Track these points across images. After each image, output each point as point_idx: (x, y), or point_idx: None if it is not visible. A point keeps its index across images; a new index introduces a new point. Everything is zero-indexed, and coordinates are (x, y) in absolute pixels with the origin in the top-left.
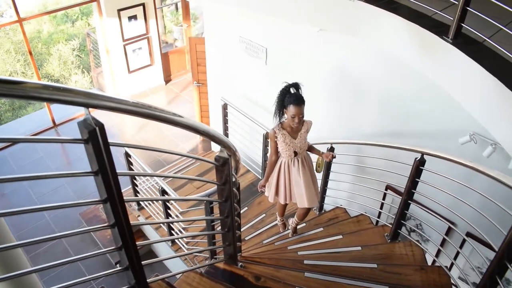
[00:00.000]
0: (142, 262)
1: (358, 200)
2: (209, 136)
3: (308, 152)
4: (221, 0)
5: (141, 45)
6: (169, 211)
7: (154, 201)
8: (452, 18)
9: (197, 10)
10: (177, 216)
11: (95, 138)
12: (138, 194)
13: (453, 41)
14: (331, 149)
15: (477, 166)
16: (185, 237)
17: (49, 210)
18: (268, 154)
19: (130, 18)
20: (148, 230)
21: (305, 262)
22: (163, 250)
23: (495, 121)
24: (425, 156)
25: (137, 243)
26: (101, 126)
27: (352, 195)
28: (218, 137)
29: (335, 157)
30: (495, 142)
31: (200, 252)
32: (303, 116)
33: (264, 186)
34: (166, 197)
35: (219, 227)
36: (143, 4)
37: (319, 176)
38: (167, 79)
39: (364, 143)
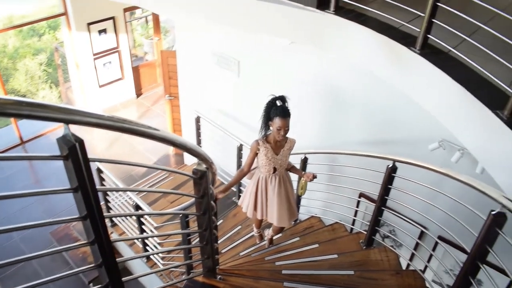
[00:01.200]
0: (122, 279)
1: (333, 208)
2: (186, 149)
3: (289, 173)
4: (190, 13)
5: (111, 59)
6: (143, 226)
7: (128, 217)
8: (419, 30)
9: (167, 24)
10: (151, 231)
11: (75, 154)
12: (110, 210)
13: (420, 51)
14: (305, 160)
15: (447, 171)
16: (164, 251)
17: (20, 230)
18: (242, 165)
19: (100, 31)
20: (122, 247)
21: (283, 272)
22: (138, 267)
23: (462, 127)
24: (397, 164)
25: (117, 259)
26: (81, 142)
27: (326, 204)
28: (195, 149)
29: (316, 177)
30: (463, 148)
31: (176, 267)
32: (288, 129)
33: (217, 197)
34: (146, 211)
35: (195, 241)
36: (113, 18)
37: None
38: (138, 93)
39: (337, 153)
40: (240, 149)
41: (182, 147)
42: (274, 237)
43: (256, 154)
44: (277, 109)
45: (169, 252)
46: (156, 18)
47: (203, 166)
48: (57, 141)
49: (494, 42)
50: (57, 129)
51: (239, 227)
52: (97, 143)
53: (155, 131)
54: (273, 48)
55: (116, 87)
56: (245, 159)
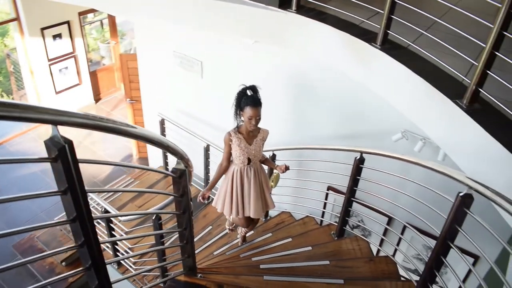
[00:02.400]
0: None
1: (302, 203)
2: (163, 147)
3: (263, 165)
4: (149, 14)
5: (67, 65)
6: (113, 232)
7: (96, 223)
8: (379, 26)
9: (123, 27)
10: (122, 236)
11: (64, 156)
12: None
13: (381, 47)
14: (273, 157)
15: (414, 159)
16: (149, 251)
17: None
18: (220, 161)
19: (54, 36)
20: None
21: (261, 266)
22: (110, 273)
23: (425, 118)
24: (364, 155)
25: (106, 261)
26: (70, 143)
27: (296, 199)
28: (173, 148)
29: (288, 169)
30: (425, 138)
31: (152, 269)
32: (259, 118)
33: (206, 196)
34: (138, 211)
35: (169, 242)
36: (68, 22)
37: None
38: (97, 98)
39: (305, 148)
40: (207, 149)
41: (160, 144)
42: (248, 234)
43: (230, 146)
44: (247, 99)
45: (141, 256)
46: (112, 21)
47: (182, 165)
48: (45, 143)
49: (448, 36)
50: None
51: (210, 227)
52: None
53: (132, 128)
54: (236, 47)
55: (74, 93)
56: (212, 159)
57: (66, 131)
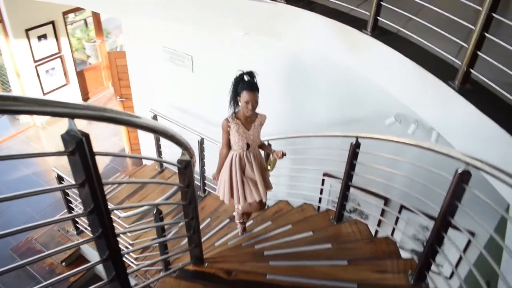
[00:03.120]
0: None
1: (299, 190)
2: (168, 137)
3: (260, 150)
4: (136, 12)
5: (54, 65)
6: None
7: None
8: (368, 13)
9: (108, 25)
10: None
11: (82, 148)
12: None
13: (372, 33)
14: (268, 146)
15: (410, 141)
16: (164, 240)
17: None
18: (219, 147)
19: (39, 37)
20: (90, 254)
21: (265, 253)
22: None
23: (417, 100)
24: (359, 140)
25: (123, 252)
26: (87, 136)
27: (292, 187)
28: (177, 138)
29: (285, 155)
30: (417, 120)
31: (153, 264)
32: (257, 103)
33: (216, 178)
34: (151, 202)
35: (169, 235)
36: (52, 22)
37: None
38: (85, 98)
39: (301, 136)
40: (201, 143)
41: (165, 135)
42: (247, 224)
43: (228, 132)
44: (244, 83)
45: (142, 251)
46: (97, 20)
47: (187, 156)
48: (61, 137)
49: (437, 20)
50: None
51: (209, 219)
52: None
53: (145, 120)
54: (226, 40)
55: (62, 93)
56: (207, 152)
57: (61, 129)
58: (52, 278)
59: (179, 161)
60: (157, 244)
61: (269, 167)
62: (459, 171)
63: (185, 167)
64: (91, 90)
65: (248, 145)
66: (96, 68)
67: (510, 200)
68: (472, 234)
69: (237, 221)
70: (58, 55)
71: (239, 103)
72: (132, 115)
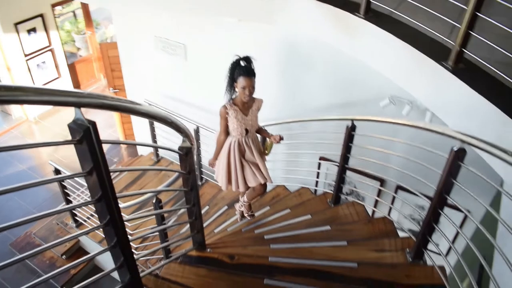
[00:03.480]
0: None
1: (295, 175)
2: (168, 123)
3: (257, 134)
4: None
5: (44, 59)
6: None
7: (94, 214)
8: None
9: (97, 16)
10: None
11: (89, 137)
12: (73, 211)
13: (365, 16)
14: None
15: (406, 122)
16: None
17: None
18: (216, 135)
19: (29, 31)
20: (89, 245)
21: (265, 237)
22: (109, 262)
23: (411, 81)
24: (355, 123)
25: (130, 238)
26: (94, 124)
27: (289, 172)
28: (177, 124)
29: (283, 139)
30: (411, 101)
31: (154, 252)
32: (254, 89)
33: (214, 165)
34: (154, 189)
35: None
36: (41, 15)
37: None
38: None
39: (296, 121)
40: (197, 131)
41: (165, 122)
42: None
43: (227, 119)
44: (241, 69)
45: (142, 241)
46: (86, 11)
47: (187, 143)
48: (68, 126)
49: (429, 1)
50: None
51: (207, 207)
52: (41, 148)
53: (138, 106)
54: (219, 28)
55: (54, 86)
56: (203, 140)
57: (54, 122)
58: (53, 271)
59: (180, 148)
60: (158, 233)
61: (265, 151)
62: (455, 148)
63: (186, 153)
64: (83, 83)
65: (247, 131)
66: (87, 60)
67: (504, 175)
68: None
69: (246, 215)
70: (48, 48)
71: (236, 89)
72: (134, 102)
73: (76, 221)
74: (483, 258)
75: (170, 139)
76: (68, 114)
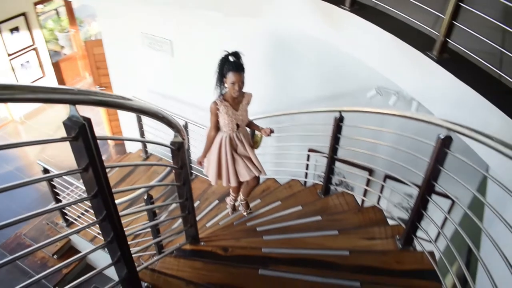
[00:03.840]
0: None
1: (285, 167)
2: (159, 118)
3: (247, 128)
4: None
5: (28, 58)
6: None
7: (85, 212)
8: None
9: (80, 14)
10: None
11: (84, 133)
12: (63, 210)
13: (350, 8)
14: None
15: (391, 111)
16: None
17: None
18: (206, 131)
19: (12, 30)
20: (81, 244)
21: (258, 229)
22: (103, 260)
23: (397, 71)
24: (342, 114)
25: (127, 232)
26: (89, 121)
27: (278, 165)
28: (168, 119)
29: (273, 132)
30: (397, 92)
31: (147, 248)
32: (243, 84)
33: (202, 162)
34: (148, 184)
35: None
36: (24, 14)
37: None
38: None
39: (285, 113)
40: (185, 126)
41: (156, 117)
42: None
43: (217, 115)
44: (229, 64)
45: (133, 237)
46: (69, 9)
47: (179, 138)
48: (64, 123)
49: None
50: None
51: (198, 202)
52: (28, 148)
53: (128, 101)
54: (205, 23)
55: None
56: (192, 135)
57: (40, 122)
58: (45, 271)
59: (172, 143)
60: (150, 229)
61: (255, 144)
62: (441, 136)
63: (178, 148)
64: (68, 81)
65: (237, 126)
66: (71, 59)
67: (489, 161)
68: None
69: (244, 213)
70: (32, 47)
71: (226, 85)
72: (125, 97)
73: (66, 220)
74: (471, 242)
75: (158, 135)
76: (54, 113)
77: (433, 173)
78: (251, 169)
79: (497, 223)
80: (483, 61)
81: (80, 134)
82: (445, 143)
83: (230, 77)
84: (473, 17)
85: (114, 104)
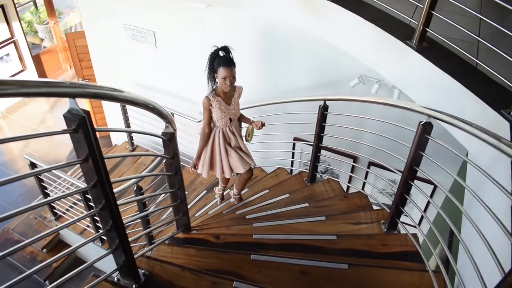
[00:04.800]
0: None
1: (271, 156)
2: (149, 109)
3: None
4: None
5: (8, 51)
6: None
7: (74, 205)
8: None
9: (58, 5)
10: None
11: (84, 125)
12: (52, 204)
13: None
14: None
15: (373, 99)
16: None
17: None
18: (200, 128)
19: None
20: (70, 238)
21: (247, 217)
22: (93, 253)
23: (378, 60)
24: (327, 103)
25: (125, 222)
26: (88, 113)
27: (264, 154)
28: (159, 110)
29: (264, 125)
30: (379, 80)
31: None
32: (234, 79)
33: (197, 166)
34: (141, 174)
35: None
36: (1, 6)
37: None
38: None
39: (269, 103)
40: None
41: (147, 107)
42: (242, 192)
43: (210, 110)
44: (220, 59)
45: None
46: (48, 0)
47: (170, 128)
48: (64, 116)
49: None
50: None
51: (186, 192)
52: (12, 143)
53: (119, 93)
54: (188, 13)
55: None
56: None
57: (21, 116)
58: (34, 266)
59: (164, 134)
60: (140, 220)
61: (247, 137)
62: (422, 122)
63: (169, 139)
64: (50, 74)
65: (230, 120)
66: (52, 51)
67: (468, 146)
68: (435, 185)
69: (217, 194)
70: (11, 40)
71: (217, 80)
72: (118, 89)
73: (55, 214)
74: (453, 224)
75: (143, 126)
76: (36, 107)
77: (414, 159)
78: (246, 160)
79: (477, 206)
80: (460, 50)
81: (80, 126)
82: (425, 129)
83: (221, 72)
84: (452, 7)
85: (108, 96)
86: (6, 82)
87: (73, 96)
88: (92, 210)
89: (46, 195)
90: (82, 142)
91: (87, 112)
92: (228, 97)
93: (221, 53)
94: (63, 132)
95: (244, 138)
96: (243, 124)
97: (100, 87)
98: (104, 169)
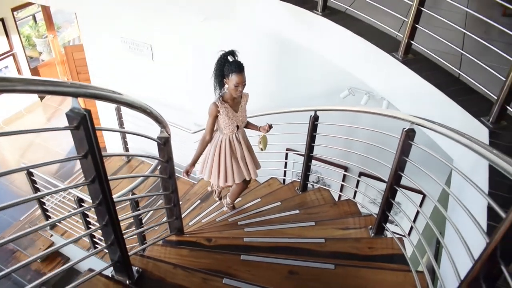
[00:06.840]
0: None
1: (264, 166)
2: (146, 113)
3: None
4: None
5: (7, 63)
6: (88, 218)
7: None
8: None
9: (57, 19)
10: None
11: (85, 123)
12: (47, 213)
13: (322, 13)
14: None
15: (361, 109)
16: (153, 209)
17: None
18: (202, 134)
19: None
20: (69, 249)
21: (239, 223)
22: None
23: (366, 72)
24: (318, 113)
25: (120, 218)
26: (89, 112)
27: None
28: (155, 115)
29: (272, 127)
30: (368, 92)
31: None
32: (245, 84)
33: (190, 172)
34: (141, 173)
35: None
36: (1, 20)
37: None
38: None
39: (262, 114)
40: None
41: (144, 111)
42: (235, 201)
43: (216, 117)
44: (231, 65)
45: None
46: (47, 14)
47: (165, 133)
48: (66, 114)
49: None
50: None
51: (180, 202)
52: (7, 153)
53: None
54: (184, 27)
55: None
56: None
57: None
58: (28, 274)
59: (159, 138)
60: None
61: (261, 146)
62: (405, 129)
63: (164, 143)
64: None
65: (237, 127)
66: (50, 64)
67: (451, 153)
68: (424, 194)
69: (216, 198)
70: (10, 53)
71: (226, 85)
72: (116, 92)
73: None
74: (437, 231)
75: (138, 140)
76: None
77: (399, 164)
78: (250, 171)
79: (459, 211)
80: (444, 61)
81: (82, 124)
82: (408, 135)
83: (233, 78)
84: (440, 22)
85: (108, 97)
86: (15, 79)
87: (75, 95)
88: (90, 205)
89: (41, 203)
90: (82, 139)
91: (88, 111)
92: (235, 104)
93: (230, 58)
94: (65, 128)
95: (259, 147)
96: (255, 133)
97: (100, 88)
98: (102, 166)
